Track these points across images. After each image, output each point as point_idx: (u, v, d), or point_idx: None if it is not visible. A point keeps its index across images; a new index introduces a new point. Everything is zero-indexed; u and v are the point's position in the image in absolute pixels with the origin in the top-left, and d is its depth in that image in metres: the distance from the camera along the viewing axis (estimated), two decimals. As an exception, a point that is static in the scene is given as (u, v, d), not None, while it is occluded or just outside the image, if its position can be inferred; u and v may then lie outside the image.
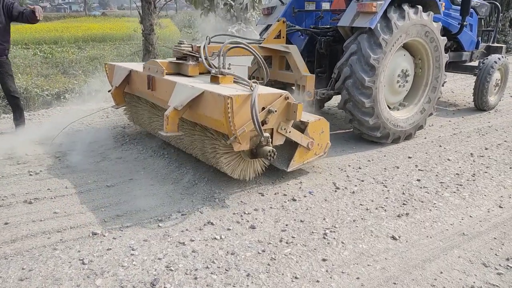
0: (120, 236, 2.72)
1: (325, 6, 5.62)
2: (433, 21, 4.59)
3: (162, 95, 3.66)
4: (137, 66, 4.26)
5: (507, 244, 2.72)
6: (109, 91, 4.53)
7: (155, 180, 3.62)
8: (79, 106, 6.56)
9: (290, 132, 3.37)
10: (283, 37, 4.69)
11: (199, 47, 3.82)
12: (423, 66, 4.82)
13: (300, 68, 4.34)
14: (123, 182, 3.56)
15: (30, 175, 3.68)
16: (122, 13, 49.25)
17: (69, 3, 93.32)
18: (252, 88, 3.12)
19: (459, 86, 8.06)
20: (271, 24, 5.20)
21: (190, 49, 3.89)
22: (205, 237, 2.74)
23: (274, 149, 3.12)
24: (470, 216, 3.08)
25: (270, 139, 3.16)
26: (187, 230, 2.82)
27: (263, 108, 3.11)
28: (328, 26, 5.27)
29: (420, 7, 4.36)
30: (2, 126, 5.29)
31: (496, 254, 2.61)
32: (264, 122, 3.12)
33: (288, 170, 3.54)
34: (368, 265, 2.48)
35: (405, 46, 4.63)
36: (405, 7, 4.22)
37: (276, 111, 3.14)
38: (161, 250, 2.58)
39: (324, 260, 2.52)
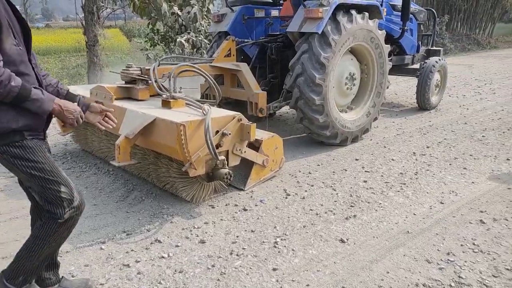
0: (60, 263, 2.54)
1: (275, 13, 5.70)
2: (378, 28, 4.79)
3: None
4: (84, 91, 4.06)
5: (448, 239, 2.84)
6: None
7: (98, 199, 3.45)
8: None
9: (245, 152, 3.38)
10: (234, 55, 4.72)
11: (149, 69, 3.73)
12: (369, 72, 5.00)
13: (251, 85, 4.37)
14: (63, 204, 3.35)
15: (-42, 202, 3.38)
16: (68, 24, 47.38)
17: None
18: (204, 113, 3.07)
19: (402, 88, 8.45)
20: (222, 31, 5.20)
21: (139, 72, 3.78)
22: (151, 256, 2.63)
23: (230, 172, 3.09)
24: (414, 214, 3.19)
25: (226, 161, 3.14)
26: (132, 250, 2.69)
27: (217, 131, 3.09)
28: (278, 33, 5.34)
29: (366, 13, 4.54)
30: None
31: (438, 250, 2.71)
32: (218, 145, 3.10)
33: (246, 189, 3.57)
34: (318, 270, 2.48)
35: (353, 51, 4.79)
36: (353, 12, 4.39)
37: (230, 133, 3.12)
38: (103, 274, 2.44)
39: (274, 269, 2.49)
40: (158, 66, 3.86)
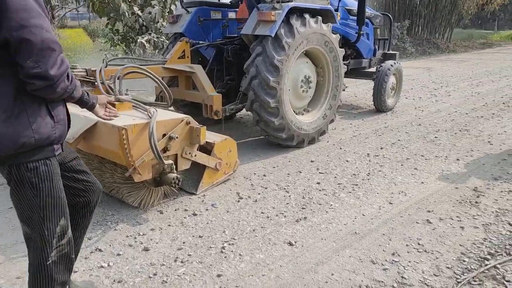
0: (-12, 276, 2.38)
1: (232, 15, 5.65)
2: (332, 32, 4.84)
3: None
4: None
5: (394, 239, 2.88)
6: None
7: (40, 206, 3.27)
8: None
9: (195, 155, 3.30)
10: (188, 57, 4.63)
11: (95, 71, 3.58)
12: (324, 75, 5.04)
13: (206, 88, 4.30)
14: (1, 212, 3.16)
15: None
16: (28, 24, 45.32)
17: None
18: (150, 115, 2.97)
19: (361, 90, 8.61)
20: (177, 33, 5.10)
21: (84, 73, 3.63)
22: (90, 266, 2.50)
23: (178, 176, 3.00)
24: (363, 215, 3.22)
25: (174, 166, 3.04)
26: (70, 260, 2.55)
27: (164, 135, 2.98)
28: (235, 35, 5.30)
29: (320, 17, 4.57)
30: None
31: (383, 250, 2.74)
32: (166, 149, 3.01)
33: (197, 193, 3.50)
34: (263, 275, 2.44)
35: (308, 55, 4.81)
36: (306, 15, 4.40)
37: (177, 137, 3.03)
38: (35, 287, 2.29)
39: (219, 275, 2.43)
40: (106, 67, 3.73)
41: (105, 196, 3.41)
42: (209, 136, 3.58)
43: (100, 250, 2.68)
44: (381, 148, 4.87)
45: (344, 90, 5.33)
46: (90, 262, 2.54)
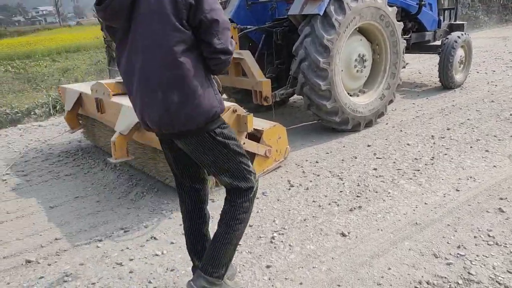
0: (56, 262, 2.57)
1: None
2: (389, 4, 4.50)
3: (111, 117, 3.53)
4: (87, 88, 4.08)
5: (460, 230, 2.63)
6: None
7: (102, 196, 3.46)
8: (42, 123, 6.38)
9: (244, 143, 3.26)
10: (236, 43, 4.56)
11: None
12: (381, 52, 4.73)
13: (254, 74, 4.22)
14: (68, 202, 3.39)
15: (-29, 202, 3.50)
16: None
17: (43, 15, 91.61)
18: None
19: (426, 66, 7.99)
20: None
21: None
22: (145, 254, 2.60)
23: None
24: (425, 203, 2.98)
25: None
26: (127, 248, 2.67)
27: None
28: (283, 17, 5.14)
29: None
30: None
31: (448, 243, 2.51)
32: None
33: None
34: (314, 267, 2.36)
35: (362, 31, 4.53)
36: None
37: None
38: (96, 273, 2.43)
39: (268, 266, 2.39)
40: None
41: (161, 185, 3.52)
42: (257, 123, 3.52)
43: (155, 238, 2.76)
44: (448, 129, 4.47)
45: (404, 67, 4.96)
46: (146, 250, 2.64)
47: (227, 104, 3.18)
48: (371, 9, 4.23)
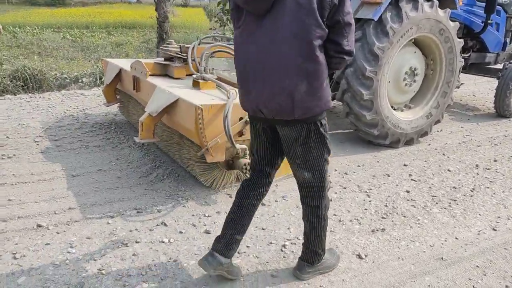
0: (64, 231, 2.57)
1: None
2: (451, 19, 4.18)
3: (145, 97, 3.52)
4: (128, 65, 4.10)
5: (491, 275, 2.37)
6: None
7: (124, 172, 3.46)
8: (85, 91, 6.56)
9: None
10: None
11: (188, 47, 3.63)
12: (435, 68, 4.42)
13: None
14: (90, 172, 3.41)
15: (2, 159, 3.60)
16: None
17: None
18: (228, 97, 2.88)
19: (482, 89, 7.46)
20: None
21: (177, 49, 3.70)
22: (152, 239, 2.54)
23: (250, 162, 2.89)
24: (456, 238, 2.73)
25: (248, 151, 2.93)
26: (136, 230, 2.63)
27: (241, 118, 2.87)
28: None
29: (436, 1, 3.97)
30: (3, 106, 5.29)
31: (473, 286, 2.26)
32: (241, 133, 2.90)
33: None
34: (321, 286, 2.20)
35: (417, 43, 4.25)
36: None
37: None
38: (100, 250, 2.40)
39: (273, 276, 2.26)
40: (199, 45, 3.73)
41: (183, 171, 3.47)
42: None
43: (165, 224, 2.70)
44: (495, 161, 4.11)
45: (458, 87, 4.61)
46: (154, 235, 2.58)
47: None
48: (431, 21, 3.93)
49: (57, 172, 3.40)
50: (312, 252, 2.19)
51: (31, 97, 5.97)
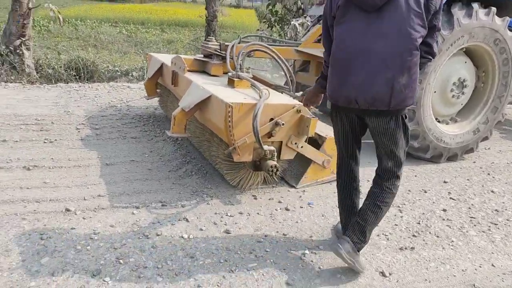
0: (90, 217, 2.65)
1: None
2: (509, 28, 3.89)
3: (182, 92, 3.56)
4: (170, 59, 4.19)
5: (528, 310, 2.15)
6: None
7: (155, 164, 3.52)
8: (132, 84, 6.80)
9: (302, 147, 3.06)
10: None
11: (227, 45, 3.64)
12: (487, 81, 4.13)
13: None
14: (123, 162, 3.51)
15: (44, 142, 3.79)
16: (211, 1, 50.64)
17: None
18: (260, 96, 2.85)
19: (543, 108, 6.89)
20: (322, 15, 4.83)
21: (217, 47, 3.72)
22: (173, 233, 2.55)
23: (277, 164, 2.84)
24: (493, 265, 2.51)
25: (276, 153, 2.89)
26: (158, 222, 2.65)
27: (271, 119, 2.83)
28: None
29: (494, 8, 3.70)
30: (50, 94, 5.59)
31: (507, 320, 2.07)
32: (270, 135, 2.86)
33: (298, 187, 3.28)
34: (337, 301, 2.10)
35: (469, 53, 3.99)
36: (475, 5, 3.62)
37: (283, 124, 2.83)
38: (121, 239, 2.44)
39: (288, 284, 2.19)
40: (239, 43, 3.73)
41: (211, 168, 3.47)
42: (322, 129, 3.28)
43: (187, 220, 2.71)
44: (547, 186, 3.76)
45: (511, 103, 4.28)
46: (175, 230, 2.59)
47: (292, 101, 3.01)
48: (485, 30, 3.67)
49: (92, 160, 3.52)
50: (363, 236, 2.25)
51: (80, 86, 6.27)
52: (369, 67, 1.98)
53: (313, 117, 2.90)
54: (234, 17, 23.01)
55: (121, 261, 2.25)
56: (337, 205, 2.59)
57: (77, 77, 7.06)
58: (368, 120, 2.14)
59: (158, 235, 2.52)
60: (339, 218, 2.82)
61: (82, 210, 2.71)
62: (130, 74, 7.88)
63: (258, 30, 11.68)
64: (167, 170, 3.44)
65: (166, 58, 4.37)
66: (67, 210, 2.69)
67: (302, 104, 2.91)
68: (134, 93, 6.11)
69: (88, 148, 3.75)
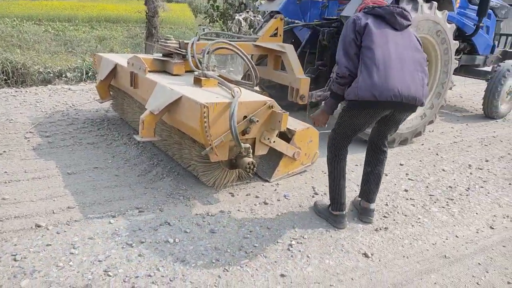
0: (65, 231, 2.49)
1: None
2: (448, 21, 4.25)
3: (144, 94, 3.44)
4: (123, 60, 4.00)
5: (492, 272, 2.42)
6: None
7: (121, 170, 3.38)
8: (72, 86, 6.39)
9: (274, 142, 3.12)
10: (280, 35, 4.39)
11: (187, 44, 3.56)
12: (430, 69, 4.48)
13: (294, 69, 4.04)
14: (86, 170, 3.32)
15: (-8, 155, 3.47)
16: (140, -5, 48.87)
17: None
18: (233, 95, 2.85)
19: (469, 91, 7.65)
20: (274, 11, 4.91)
21: (176, 45, 3.63)
22: (157, 239, 2.49)
23: (254, 161, 2.87)
24: (456, 236, 2.78)
25: (251, 150, 2.91)
26: (139, 229, 2.57)
27: (245, 117, 2.84)
28: (333, 17, 4.94)
29: (435, 3, 4.03)
30: (-17, 101, 5.09)
31: (477, 283, 2.32)
32: (244, 132, 2.87)
33: (271, 181, 3.33)
34: (331, 285, 2.21)
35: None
36: (420, 0, 3.90)
37: (258, 121, 2.86)
38: (104, 251, 2.33)
39: (282, 275, 2.25)
40: (198, 41, 3.68)
41: (182, 169, 3.42)
42: (290, 122, 3.37)
43: (169, 224, 2.66)
44: (486, 161, 4.22)
45: (451, 88, 4.70)
46: (158, 235, 2.53)
47: (263, 98, 3.05)
48: (429, 23, 3.99)
49: (51, 170, 3.29)
50: (375, 195, 2.87)
51: (16, 91, 5.78)
52: (405, 69, 2.43)
53: (284, 112, 2.97)
54: (168, 12, 22.41)
55: (109, 273, 2.15)
56: (329, 190, 2.77)
57: (8, 81, 6.48)
58: (398, 113, 2.57)
59: (142, 242, 2.45)
60: (308, 211, 2.95)
61: (54, 225, 2.54)
62: (64, 75, 7.39)
63: (200, 25, 11.52)
64: (136, 174, 3.32)
65: (118, 59, 4.18)
66: (38, 226, 2.51)
67: (272, 100, 2.97)
68: (78, 95, 5.78)
69: (43, 158, 3.50)
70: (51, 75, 7.28)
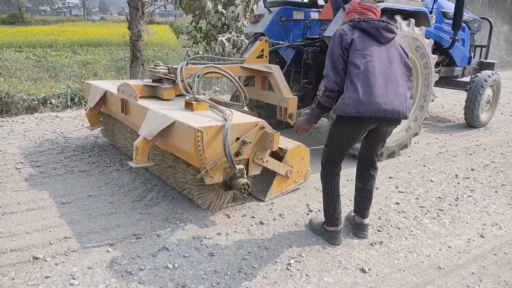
0: (63, 262, 2.48)
1: (314, 15, 5.46)
2: (425, 37, 4.43)
3: (135, 120, 3.48)
4: (113, 87, 4.04)
5: (486, 281, 2.49)
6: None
7: (115, 197, 3.38)
8: (59, 113, 6.37)
9: (267, 161, 3.18)
10: (266, 57, 4.52)
11: (176, 69, 3.64)
12: (413, 83, 4.64)
13: (282, 89, 4.15)
14: (80, 199, 3.31)
15: (-17, 188, 3.43)
16: (122, 18, 49.21)
17: (69, 7, 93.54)
18: (225, 118, 2.91)
19: (450, 101, 7.89)
20: (258, 33, 5.04)
21: (166, 71, 3.70)
22: (156, 265, 2.50)
23: (248, 182, 2.93)
24: (449, 247, 2.86)
25: (245, 171, 2.97)
26: (138, 256, 2.57)
27: (238, 139, 2.90)
28: (316, 37, 5.10)
29: (412, 20, 4.20)
30: (-31, 132, 5.04)
31: (473, 293, 2.38)
32: (238, 153, 2.93)
33: (266, 200, 3.38)
34: (331, 302, 2.24)
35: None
36: (398, 17, 4.07)
37: (250, 142, 2.93)
38: (104, 280, 2.33)
39: (283, 295, 2.28)
40: (187, 65, 3.75)
41: (176, 193, 3.44)
42: (281, 141, 3.44)
43: (167, 249, 2.67)
44: (472, 170, 4.35)
45: (432, 100, 4.86)
46: (157, 261, 2.54)
47: (254, 119, 3.12)
48: (408, 39, 4.16)
49: (45, 200, 3.28)
50: (368, 210, 2.93)
51: (2, 121, 5.74)
52: (389, 84, 2.51)
53: (275, 132, 3.04)
54: (149, 35, 22.58)
55: (111, 303, 2.15)
56: (323, 206, 2.84)
57: (-8, 111, 6.41)
58: (383, 127, 2.66)
59: (141, 269, 2.45)
60: (304, 229, 3.00)
61: (52, 256, 2.53)
62: (49, 102, 7.35)
63: (184, 47, 11.65)
64: (131, 201, 3.33)
65: (108, 85, 4.22)
66: (35, 258, 2.49)
67: (263, 121, 3.04)
68: (66, 123, 5.77)
69: (36, 189, 3.48)
70: (36, 102, 7.23)
